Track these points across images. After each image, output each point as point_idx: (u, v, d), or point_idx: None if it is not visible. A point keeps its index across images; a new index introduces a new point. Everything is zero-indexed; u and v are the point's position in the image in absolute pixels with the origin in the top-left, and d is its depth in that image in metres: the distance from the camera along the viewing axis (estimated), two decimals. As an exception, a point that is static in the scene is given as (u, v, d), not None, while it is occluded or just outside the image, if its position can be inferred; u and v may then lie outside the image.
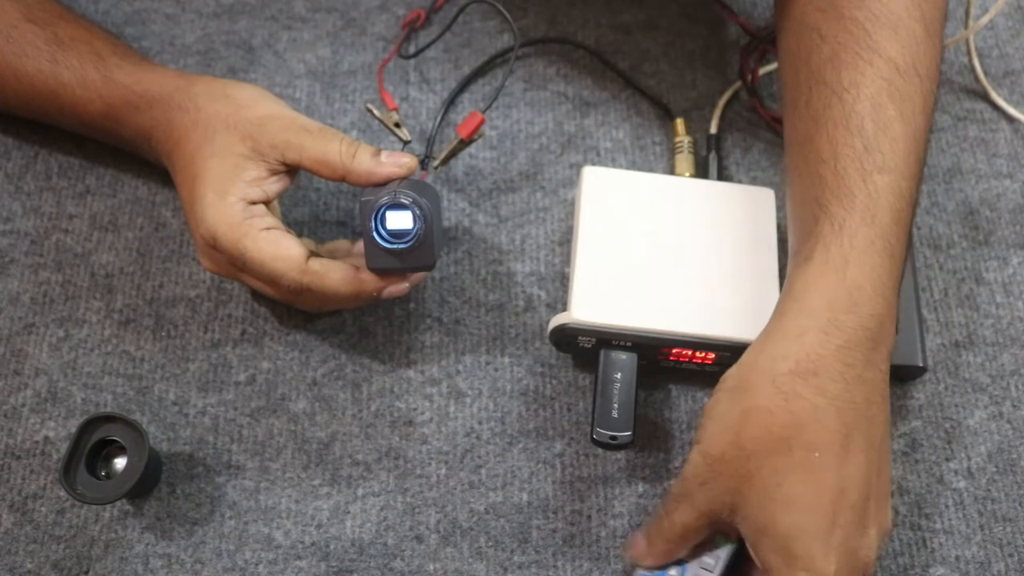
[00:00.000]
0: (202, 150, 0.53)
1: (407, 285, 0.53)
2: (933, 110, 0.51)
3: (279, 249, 0.51)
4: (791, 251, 0.51)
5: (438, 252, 0.53)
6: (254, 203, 0.52)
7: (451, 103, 0.66)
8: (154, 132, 0.56)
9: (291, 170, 0.54)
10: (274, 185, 0.53)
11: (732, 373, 0.47)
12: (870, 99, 0.48)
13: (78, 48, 0.57)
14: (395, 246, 0.50)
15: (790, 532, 0.43)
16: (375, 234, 0.50)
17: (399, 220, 0.50)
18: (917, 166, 0.49)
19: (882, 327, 0.45)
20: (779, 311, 0.47)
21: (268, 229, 0.51)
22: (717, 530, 0.47)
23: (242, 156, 0.52)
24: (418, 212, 0.50)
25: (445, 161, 0.56)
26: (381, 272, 0.52)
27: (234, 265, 0.52)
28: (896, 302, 0.47)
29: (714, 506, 0.45)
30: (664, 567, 0.49)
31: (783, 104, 0.55)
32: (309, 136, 0.52)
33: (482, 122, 0.55)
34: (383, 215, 0.50)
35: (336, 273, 0.52)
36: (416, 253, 0.51)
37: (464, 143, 0.55)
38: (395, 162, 0.52)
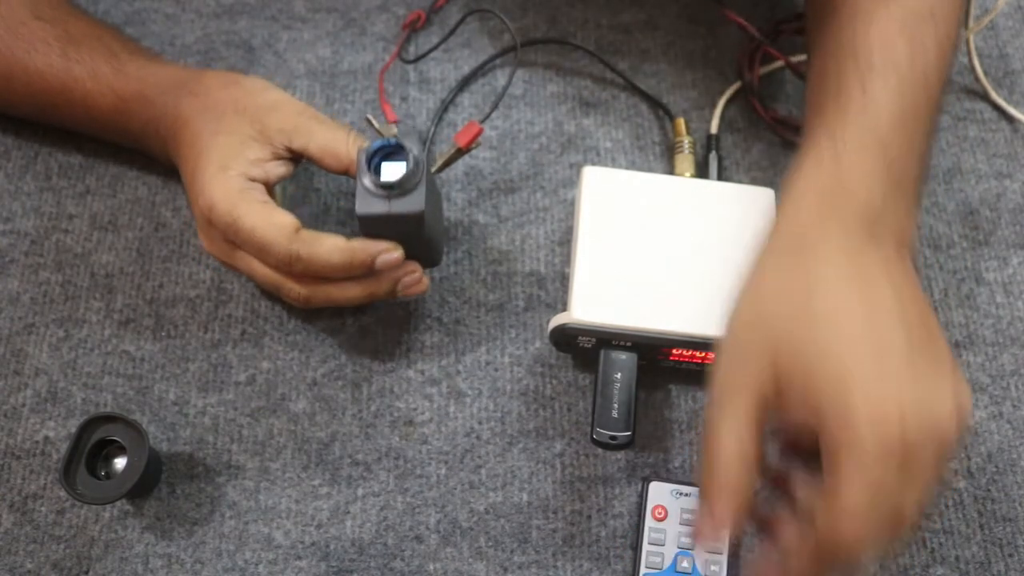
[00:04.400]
0: (208, 128, 0.53)
1: (401, 254, 0.52)
2: (951, 59, 0.51)
3: (271, 217, 0.51)
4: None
5: (432, 222, 0.52)
6: (253, 180, 0.52)
7: (448, 107, 0.66)
8: (162, 119, 0.56)
9: (294, 158, 0.54)
10: (276, 168, 0.53)
11: (746, 272, 0.45)
12: (880, 35, 0.49)
13: (90, 43, 0.58)
14: (386, 181, 0.49)
15: (840, 354, 0.39)
16: (367, 168, 0.50)
17: (392, 164, 0.50)
18: (927, 102, 0.48)
19: (881, 220, 0.44)
20: (778, 212, 0.47)
21: (263, 203, 0.52)
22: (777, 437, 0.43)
23: (248, 136, 0.53)
24: (411, 155, 0.50)
25: (442, 168, 0.56)
26: (370, 223, 0.51)
27: (227, 238, 0.52)
28: (906, 210, 0.46)
29: (763, 389, 0.40)
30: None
31: (808, 55, 0.56)
32: (319, 124, 0.53)
33: (480, 132, 0.55)
34: (377, 155, 0.50)
35: (327, 241, 0.51)
36: (406, 198, 0.50)
37: (461, 151, 0.55)
38: None
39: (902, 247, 0.45)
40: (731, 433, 0.41)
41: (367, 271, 0.52)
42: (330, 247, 0.51)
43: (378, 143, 0.50)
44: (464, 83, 0.67)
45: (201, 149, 0.53)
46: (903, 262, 0.44)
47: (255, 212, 0.51)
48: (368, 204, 0.50)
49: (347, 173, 0.53)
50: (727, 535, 0.43)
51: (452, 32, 0.65)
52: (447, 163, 0.56)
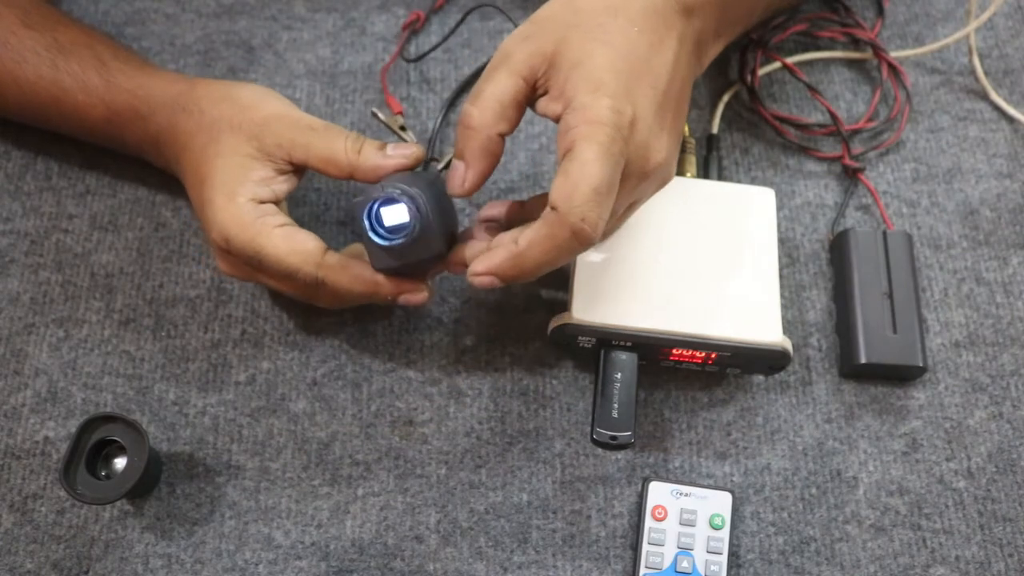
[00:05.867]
0: (207, 152, 0.52)
1: (427, 295, 0.52)
2: None
3: (295, 243, 0.51)
4: None
5: (445, 240, 0.50)
6: (263, 202, 0.52)
7: (451, 104, 0.66)
8: (160, 137, 0.56)
9: (298, 169, 0.53)
10: (282, 185, 0.53)
11: None
12: None
13: (79, 53, 0.57)
14: (393, 242, 0.48)
15: (604, 65, 0.45)
16: (371, 233, 0.48)
17: (393, 215, 0.48)
18: None
19: (696, 11, 0.50)
20: None
21: (281, 226, 0.51)
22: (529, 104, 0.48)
23: (248, 156, 0.52)
24: (411, 204, 0.47)
25: (449, 164, 0.56)
26: (388, 272, 0.51)
27: (250, 265, 0.52)
28: (717, 20, 0.52)
29: (533, 61, 0.46)
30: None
31: None
32: (314, 134, 0.52)
33: None
34: (377, 213, 0.48)
35: (352, 270, 0.51)
36: (418, 246, 0.49)
37: None
38: (402, 154, 0.51)
39: (701, 43, 0.51)
40: (498, 83, 0.47)
41: (389, 303, 0.53)
42: (353, 279, 0.51)
43: (374, 199, 0.48)
44: (466, 83, 0.66)
45: (204, 176, 0.52)
46: (694, 47, 0.50)
47: (277, 241, 0.50)
48: (382, 260, 0.49)
49: (351, 178, 0.52)
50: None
51: (455, 30, 0.65)
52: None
